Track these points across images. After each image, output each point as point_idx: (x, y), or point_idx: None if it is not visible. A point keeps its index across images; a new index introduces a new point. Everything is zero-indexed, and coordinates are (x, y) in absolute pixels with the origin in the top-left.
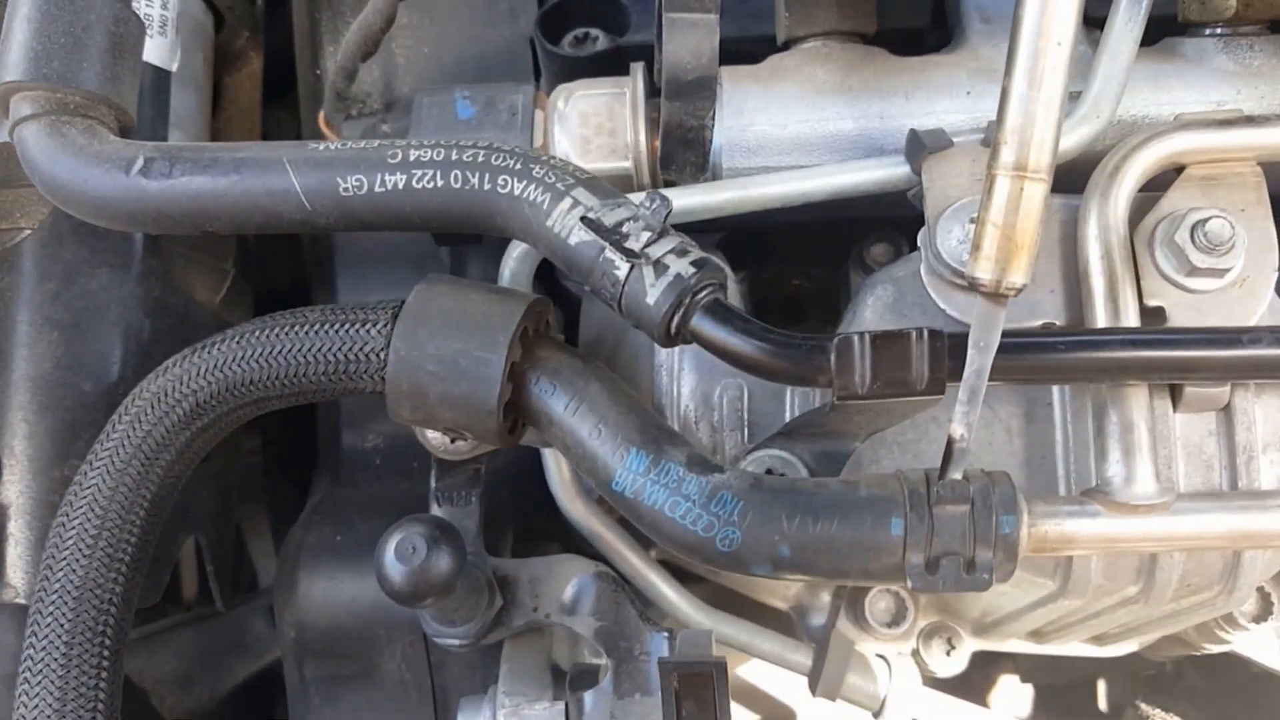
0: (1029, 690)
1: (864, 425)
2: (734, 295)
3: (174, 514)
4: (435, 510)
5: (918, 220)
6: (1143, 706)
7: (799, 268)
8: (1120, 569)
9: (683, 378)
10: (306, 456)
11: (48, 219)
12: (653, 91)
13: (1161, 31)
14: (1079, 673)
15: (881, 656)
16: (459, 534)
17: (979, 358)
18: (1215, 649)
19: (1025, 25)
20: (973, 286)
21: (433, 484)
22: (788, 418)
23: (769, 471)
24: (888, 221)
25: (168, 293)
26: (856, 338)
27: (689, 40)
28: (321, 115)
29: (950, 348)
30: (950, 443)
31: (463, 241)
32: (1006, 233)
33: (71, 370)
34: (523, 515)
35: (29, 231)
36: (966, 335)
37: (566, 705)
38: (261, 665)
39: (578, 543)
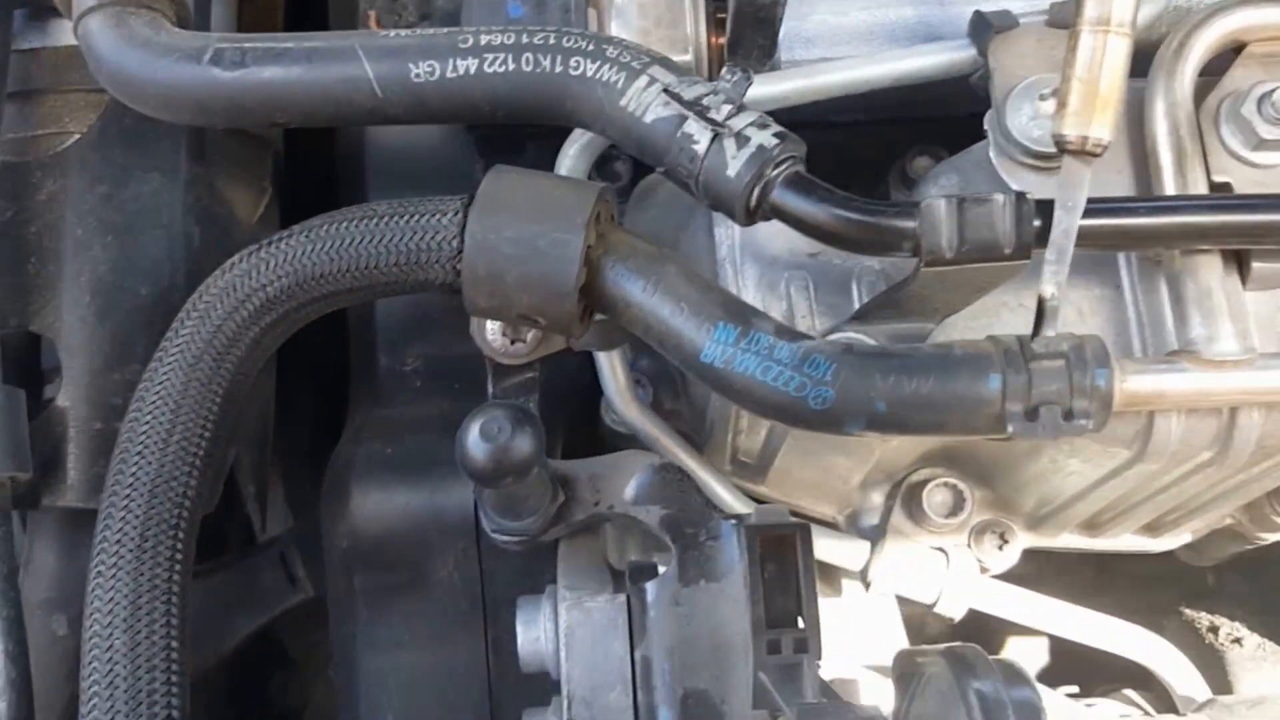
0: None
1: (941, 302)
2: None
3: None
4: None
5: (960, 126)
6: (1187, 611)
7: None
8: (1199, 431)
9: (745, 270)
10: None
11: (96, 123)
12: None
13: None
14: (1120, 591)
15: (939, 549)
16: (536, 418)
17: (1066, 217)
18: (1270, 537)
19: None
20: (1058, 145)
21: (489, 388)
22: (855, 304)
23: None
24: (929, 133)
25: (214, 202)
26: (943, 201)
27: None
28: (373, 15)
29: (1038, 211)
30: (1041, 302)
31: (507, 151)
32: (1092, 87)
33: (128, 274)
34: (572, 420)
35: (78, 135)
36: (1048, 201)
37: (628, 597)
38: (268, 619)
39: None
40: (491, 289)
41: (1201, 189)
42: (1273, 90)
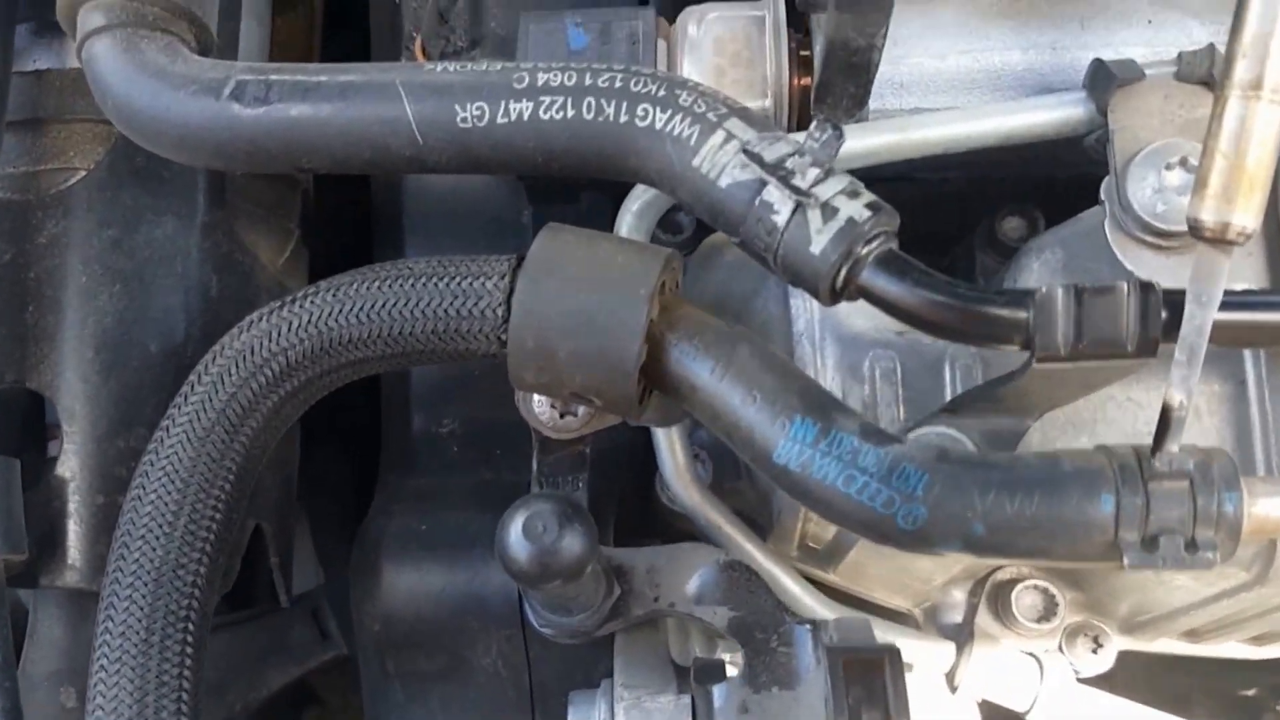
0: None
1: (1044, 398)
2: None
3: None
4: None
5: (1057, 186)
6: None
7: (918, 241)
8: None
9: (825, 348)
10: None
11: (105, 158)
12: (797, 16)
13: None
14: (1207, 674)
15: (1030, 654)
16: (588, 514)
17: (1200, 313)
18: None
19: None
20: (1193, 231)
21: (534, 465)
22: (947, 392)
23: None
24: (1019, 193)
25: (234, 248)
26: (1061, 290)
27: None
28: (419, 42)
29: (1165, 304)
30: (1167, 411)
31: (559, 198)
32: (1238, 163)
33: (136, 326)
34: (621, 506)
35: (84, 172)
36: (1179, 291)
37: (693, 699)
38: (301, 673)
39: (677, 538)
40: (540, 365)
41: None
42: None
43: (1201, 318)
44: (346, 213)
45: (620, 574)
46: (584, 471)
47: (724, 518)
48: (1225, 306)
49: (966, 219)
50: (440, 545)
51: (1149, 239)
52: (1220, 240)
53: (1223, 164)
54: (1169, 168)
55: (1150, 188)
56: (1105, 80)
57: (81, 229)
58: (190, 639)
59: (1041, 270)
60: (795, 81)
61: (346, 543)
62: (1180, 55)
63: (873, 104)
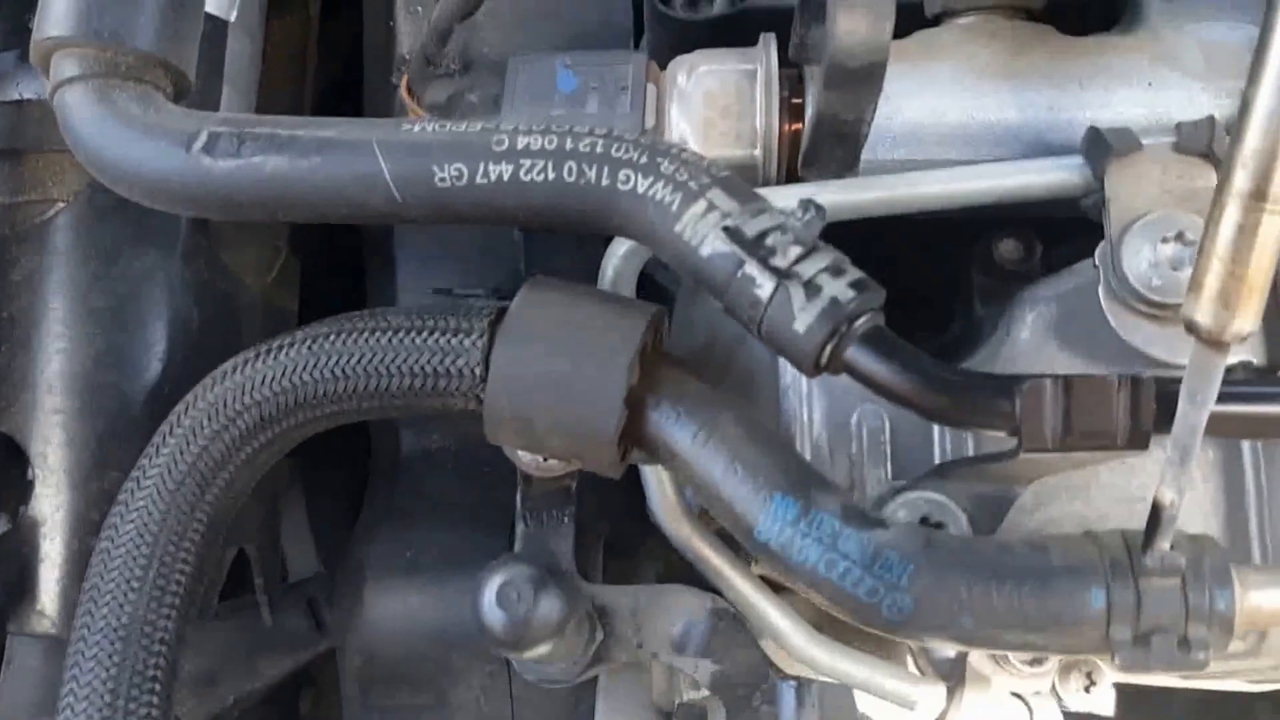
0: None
1: (1028, 471)
2: None
3: None
4: (522, 531)
5: (1050, 218)
6: None
7: (908, 261)
8: None
9: (813, 402)
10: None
11: (85, 190)
12: (785, 67)
13: None
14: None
15: (1017, 695)
16: (565, 575)
17: (1193, 412)
18: None
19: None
20: (1188, 329)
21: (519, 502)
22: (936, 451)
23: (924, 519)
24: (1017, 218)
25: (216, 275)
26: (1049, 382)
27: (863, 22)
28: (405, 81)
29: (1157, 395)
30: (1158, 508)
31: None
32: (1236, 271)
33: (113, 367)
34: (613, 524)
35: (62, 204)
36: (1172, 380)
37: None
38: (294, 665)
39: (668, 556)
40: (518, 428)
41: None
42: None
43: (1195, 417)
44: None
45: (604, 615)
46: (569, 505)
47: (713, 551)
48: (1221, 399)
49: (963, 240)
50: (423, 574)
51: (1144, 309)
52: (1216, 342)
53: (1219, 268)
54: (1165, 241)
55: (1146, 260)
56: (1101, 148)
57: (58, 265)
58: (156, 699)
59: (1035, 325)
60: (786, 128)
61: (346, 528)
62: (1179, 126)
63: (865, 154)
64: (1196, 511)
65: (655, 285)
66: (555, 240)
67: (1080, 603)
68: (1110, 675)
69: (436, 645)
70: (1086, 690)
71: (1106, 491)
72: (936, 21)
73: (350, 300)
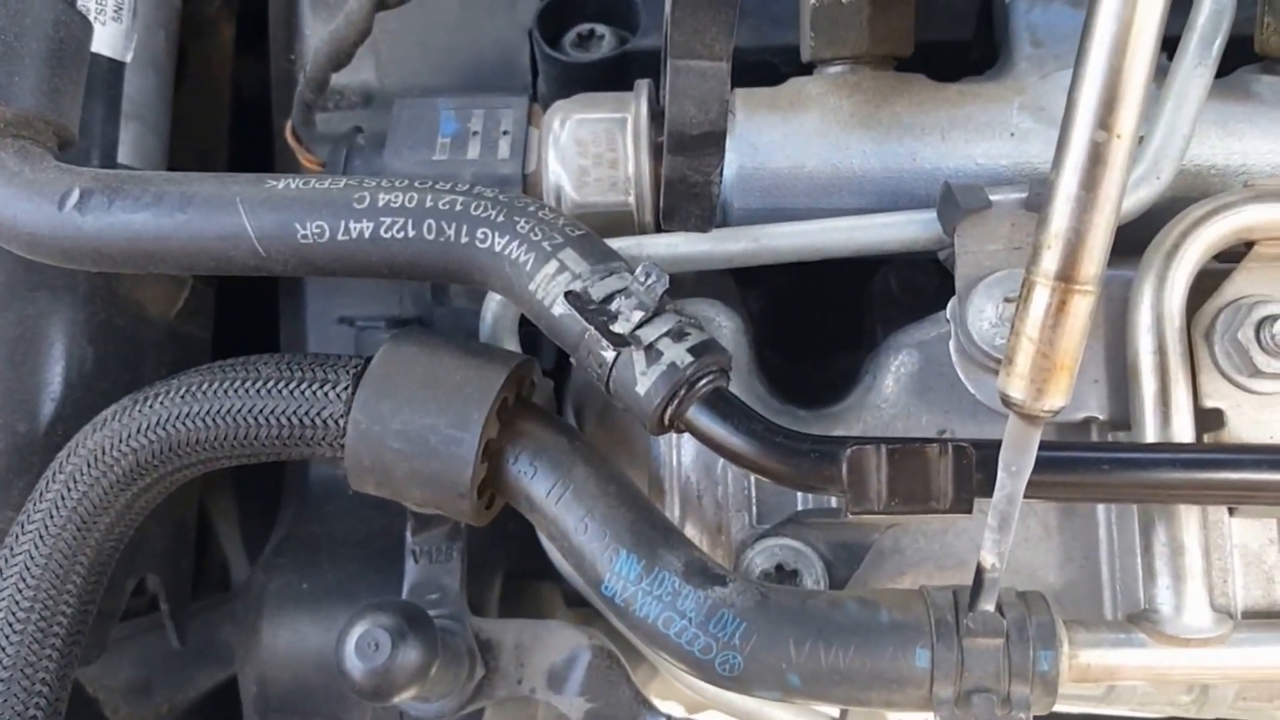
0: None
1: (884, 521)
2: (737, 334)
3: (121, 559)
4: (411, 567)
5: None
6: None
7: (824, 279)
8: (1168, 690)
9: (682, 446)
10: None
11: None
12: (659, 112)
13: (1234, 60)
14: None
15: None
16: (428, 621)
17: (1010, 482)
18: None
19: (1080, 111)
20: (1005, 403)
21: (409, 540)
22: (799, 498)
23: (779, 566)
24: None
25: (114, 314)
26: (872, 449)
27: (696, 91)
28: (289, 126)
29: (979, 461)
30: (980, 572)
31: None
32: (1044, 350)
33: (4, 410)
34: (514, 554)
35: None
36: (997, 446)
37: None
38: (226, 676)
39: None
40: (379, 479)
41: (1186, 416)
42: (1276, 316)
43: (1012, 487)
44: None
45: (487, 649)
46: (458, 542)
47: None
48: (1044, 466)
49: (869, 271)
50: (320, 606)
51: (989, 364)
52: (1029, 416)
53: (1029, 348)
54: (1008, 300)
55: (988, 320)
56: (952, 207)
57: None
58: None
59: (898, 373)
60: (657, 168)
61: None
62: (1031, 183)
63: (736, 203)
64: (1050, 562)
65: None
66: None
67: (905, 662)
68: None
69: (329, 676)
70: None
71: (963, 537)
72: (810, 68)
73: (266, 327)
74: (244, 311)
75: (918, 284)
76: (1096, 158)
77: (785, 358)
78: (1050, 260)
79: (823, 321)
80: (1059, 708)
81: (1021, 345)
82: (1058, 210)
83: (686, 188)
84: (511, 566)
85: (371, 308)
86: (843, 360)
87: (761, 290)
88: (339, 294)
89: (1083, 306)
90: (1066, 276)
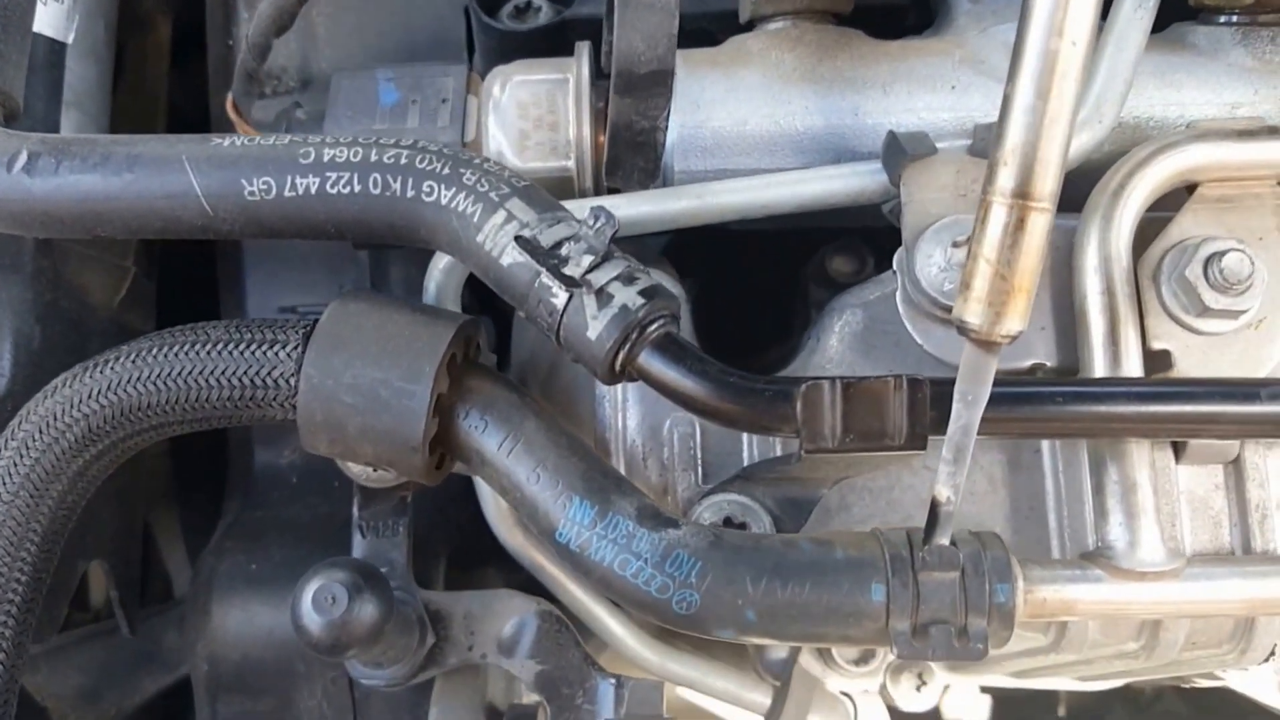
0: (986, 699)
1: (833, 472)
2: (682, 301)
3: (72, 539)
4: (359, 542)
5: (888, 231)
6: None
7: (754, 273)
8: (1121, 626)
9: (628, 409)
10: (217, 457)
11: None
12: (599, 77)
13: (1170, 15)
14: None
15: (846, 694)
16: (383, 579)
17: (966, 412)
18: (1207, 684)
19: (1035, 18)
20: (961, 330)
21: (355, 514)
22: (745, 456)
23: (727, 520)
24: (853, 230)
25: (60, 295)
26: (827, 385)
27: (644, 26)
28: (230, 98)
29: (933, 397)
30: (935, 505)
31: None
32: (1002, 271)
33: None
34: (456, 538)
35: None
36: (950, 381)
37: None
38: (173, 680)
39: (517, 567)
40: (331, 437)
41: (1135, 357)
42: (1223, 252)
43: (968, 417)
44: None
45: (437, 620)
46: (404, 517)
47: (547, 559)
48: (996, 400)
49: (802, 253)
50: (268, 585)
51: (938, 314)
52: (986, 342)
53: (986, 270)
54: (956, 245)
55: (937, 265)
56: (896, 154)
57: None
58: None
59: (842, 332)
60: (599, 138)
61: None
62: (975, 128)
63: (677, 165)
64: (998, 515)
65: (499, 301)
66: (398, 254)
67: (861, 597)
68: (941, 676)
69: (280, 653)
70: (918, 690)
71: (910, 493)
72: (750, 27)
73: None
74: (185, 306)
75: (853, 265)
76: (1052, 66)
77: (715, 348)
78: (1006, 177)
79: (756, 313)
80: (1011, 658)
81: (979, 268)
82: (1014, 124)
83: (632, 135)
84: (453, 551)
85: (312, 295)
86: (773, 353)
87: (693, 282)
88: (279, 283)
89: (1040, 224)
90: (1024, 194)
